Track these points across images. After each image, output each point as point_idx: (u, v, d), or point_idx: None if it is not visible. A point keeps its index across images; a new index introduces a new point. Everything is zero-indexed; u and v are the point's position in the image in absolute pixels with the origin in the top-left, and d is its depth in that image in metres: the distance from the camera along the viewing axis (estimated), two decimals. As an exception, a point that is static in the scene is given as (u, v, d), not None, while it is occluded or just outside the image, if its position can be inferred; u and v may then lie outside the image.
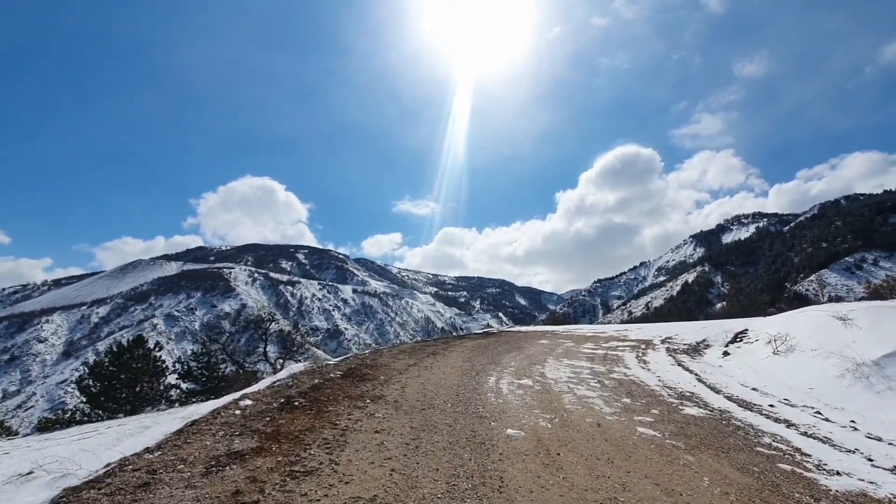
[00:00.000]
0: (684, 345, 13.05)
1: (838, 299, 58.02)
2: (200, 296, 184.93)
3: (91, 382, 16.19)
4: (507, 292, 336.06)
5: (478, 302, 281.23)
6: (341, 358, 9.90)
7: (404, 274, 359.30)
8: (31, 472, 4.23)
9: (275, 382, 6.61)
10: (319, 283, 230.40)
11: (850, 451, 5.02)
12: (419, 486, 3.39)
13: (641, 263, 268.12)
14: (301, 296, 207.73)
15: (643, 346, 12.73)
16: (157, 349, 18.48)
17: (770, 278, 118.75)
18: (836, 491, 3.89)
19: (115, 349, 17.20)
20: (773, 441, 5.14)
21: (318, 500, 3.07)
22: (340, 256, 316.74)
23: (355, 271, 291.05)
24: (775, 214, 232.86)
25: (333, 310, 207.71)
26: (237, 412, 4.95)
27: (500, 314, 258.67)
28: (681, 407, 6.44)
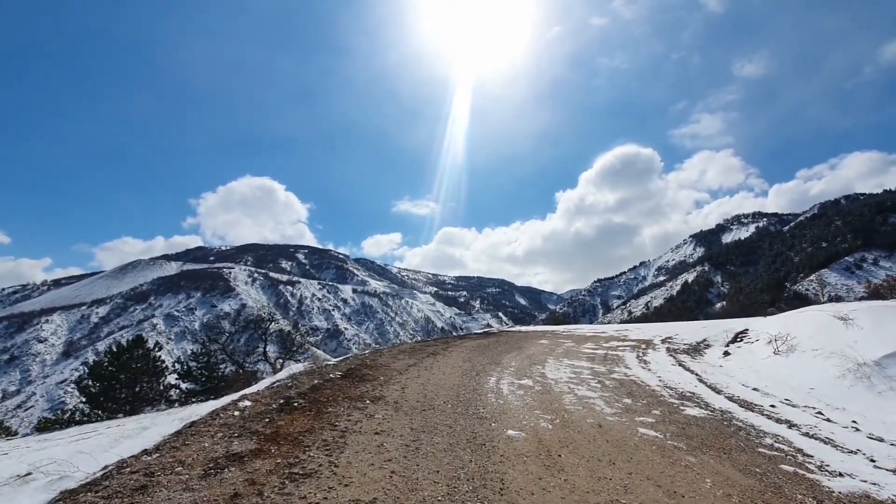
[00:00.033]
0: (685, 345, 13.03)
1: (838, 299, 58.01)
2: (200, 296, 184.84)
3: (90, 382, 16.16)
4: (507, 292, 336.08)
5: (478, 302, 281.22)
6: (341, 358, 9.87)
7: (404, 274, 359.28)
8: (29, 474, 4.20)
9: (274, 383, 6.58)
10: (319, 283, 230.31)
11: (852, 451, 5.00)
12: (419, 488, 3.37)
13: (641, 263, 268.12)
14: (301, 296, 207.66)
15: (643, 346, 12.70)
16: (156, 349, 18.46)
17: (770, 278, 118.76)
18: (839, 492, 3.86)
19: (114, 349, 17.17)
20: (775, 442, 5.12)
21: (318, 502, 3.04)
22: (340, 256, 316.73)
23: (355, 271, 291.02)
24: (775, 214, 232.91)
25: (333, 310, 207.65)
26: (236, 413, 4.92)
27: (500, 314, 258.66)
28: (682, 407, 6.42)
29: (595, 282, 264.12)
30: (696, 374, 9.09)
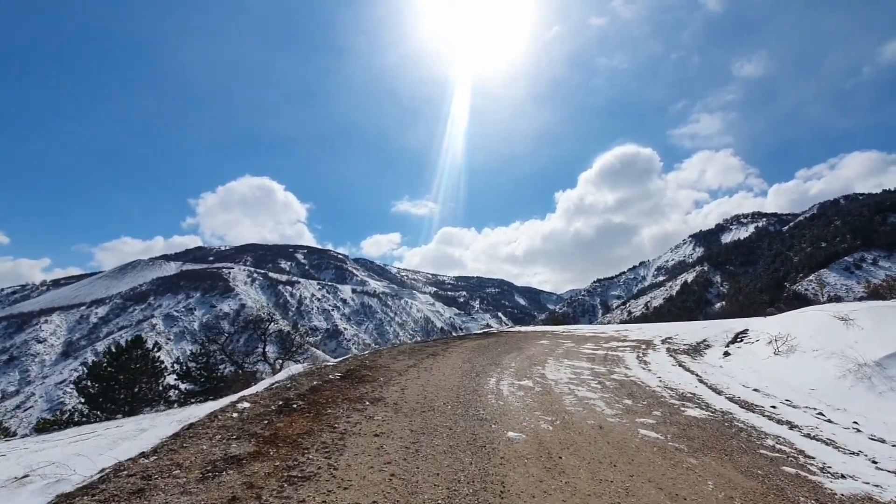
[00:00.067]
0: (685, 345, 13.01)
1: (837, 299, 58.05)
2: (199, 296, 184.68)
3: (89, 383, 16.10)
4: (507, 292, 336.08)
5: (477, 302, 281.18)
6: (340, 359, 9.84)
7: (403, 274, 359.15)
8: (26, 476, 4.17)
9: (273, 384, 6.55)
10: (318, 283, 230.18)
11: (853, 453, 4.97)
12: (419, 491, 3.34)
13: (641, 263, 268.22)
14: (300, 296, 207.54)
15: (643, 347, 12.68)
16: (155, 350, 18.39)
17: (769, 278, 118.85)
18: (842, 494, 3.84)
19: (113, 350, 17.11)
20: (777, 443, 5.09)
21: (317, 506, 3.01)
22: (339, 256, 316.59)
23: (354, 271, 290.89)
24: (774, 214, 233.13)
25: (333, 310, 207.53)
26: (234, 415, 4.89)
27: (500, 314, 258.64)
28: (683, 408, 6.40)
29: (594, 282, 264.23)
30: (697, 375, 9.07)
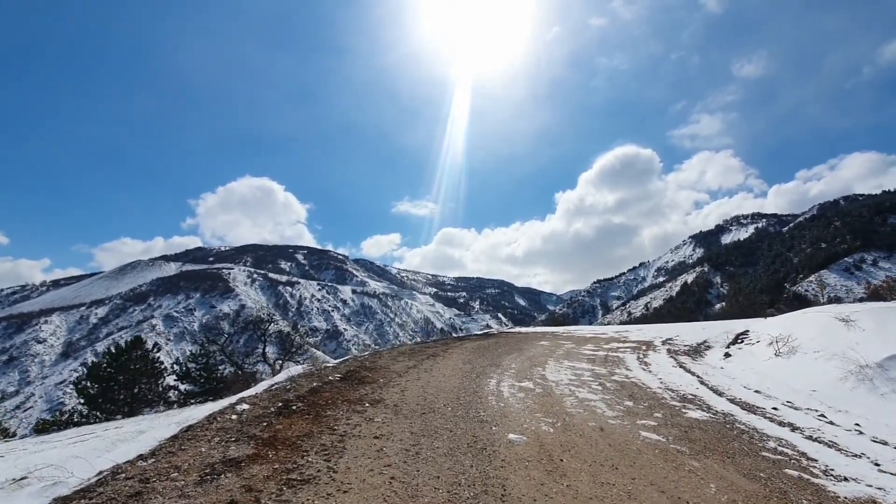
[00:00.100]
0: (685, 346, 12.98)
1: (838, 300, 58.00)
2: (199, 296, 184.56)
3: (89, 384, 16.06)
4: (507, 293, 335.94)
5: (477, 302, 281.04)
6: (340, 360, 9.81)
7: (403, 274, 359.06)
8: (24, 478, 4.14)
9: (273, 386, 6.52)
10: (319, 284, 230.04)
11: (856, 455, 4.94)
12: (420, 494, 3.31)
13: (641, 264, 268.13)
14: (300, 296, 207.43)
15: (644, 348, 12.66)
16: (155, 350, 18.35)
17: (769, 279, 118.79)
18: (845, 497, 3.81)
19: (112, 350, 17.07)
20: (779, 445, 5.06)
21: (316, 509, 2.98)
22: (339, 257, 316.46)
23: (354, 272, 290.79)
24: (774, 215, 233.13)
25: (333, 310, 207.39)
26: (233, 417, 4.86)
27: (500, 315, 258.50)
28: (684, 410, 6.37)
29: (594, 282, 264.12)
30: (698, 376, 9.04)
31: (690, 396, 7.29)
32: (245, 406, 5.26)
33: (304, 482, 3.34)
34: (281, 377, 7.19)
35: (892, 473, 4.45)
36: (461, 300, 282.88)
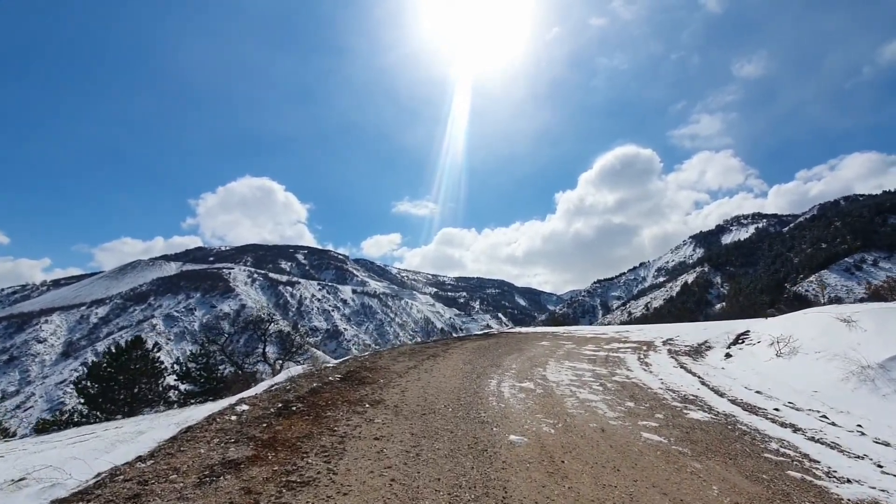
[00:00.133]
0: (686, 346, 12.96)
1: (838, 300, 57.99)
2: (200, 296, 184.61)
3: (89, 384, 16.05)
4: (507, 293, 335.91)
5: (477, 302, 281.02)
6: (340, 360, 9.79)
7: (404, 274, 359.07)
8: (22, 479, 4.12)
9: (272, 386, 6.50)
10: (319, 284, 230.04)
11: (858, 457, 4.92)
12: (420, 497, 3.29)
13: (641, 264, 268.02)
14: (300, 296, 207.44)
15: (644, 348, 12.63)
16: (155, 350, 18.34)
17: (770, 279, 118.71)
18: (848, 500, 3.79)
19: (113, 350, 17.06)
20: (781, 447, 5.04)
21: (316, 512, 2.96)
22: (340, 257, 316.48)
23: (355, 272, 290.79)
24: (774, 215, 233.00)
25: (333, 310, 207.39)
26: (233, 418, 4.84)
27: (500, 315, 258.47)
28: (685, 411, 6.34)
29: (595, 283, 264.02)
30: (699, 377, 9.01)
31: (691, 397, 7.26)
32: (244, 407, 5.24)
33: (304, 484, 3.32)
34: (281, 377, 7.17)
35: (894, 475, 4.42)
36: (461, 300, 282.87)
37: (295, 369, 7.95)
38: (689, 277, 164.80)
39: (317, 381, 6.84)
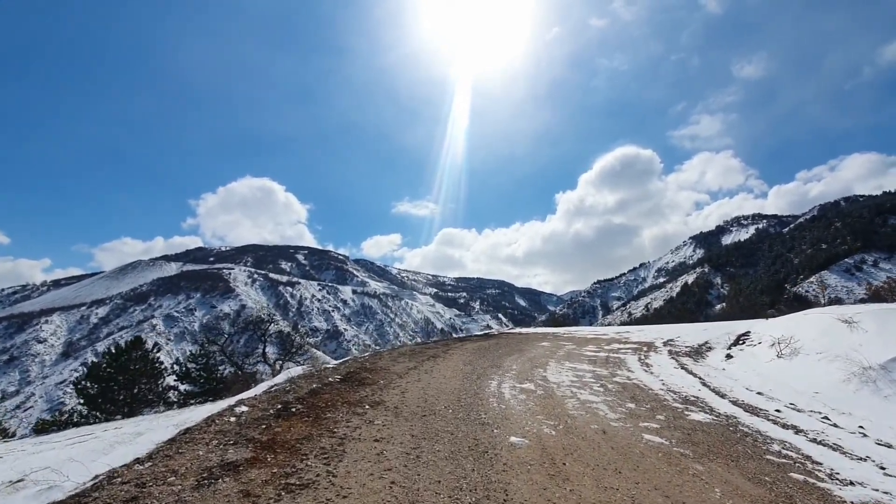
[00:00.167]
0: (686, 347, 12.93)
1: (838, 301, 57.94)
2: (200, 296, 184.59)
3: (88, 384, 16.02)
4: (507, 293, 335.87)
5: (477, 303, 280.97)
6: (340, 361, 9.76)
7: (404, 275, 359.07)
8: (20, 481, 4.10)
9: (272, 387, 6.48)
10: (319, 284, 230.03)
11: (861, 458, 4.89)
12: (420, 499, 3.26)
13: (641, 265, 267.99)
14: (301, 296, 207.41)
15: (645, 349, 12.60)
16: (155, 350, 18.31)
17: (770, 280, 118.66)
18: (851, 502, 3.76)
19: (112, 350, 17.03)
20: (783, 448, 5.01)
21: (315, 515, 2.93)
22: (340, 257, 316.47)
23: (355, 272, 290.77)
24: (775, 216, 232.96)
25: (333, 310, 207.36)
26: (232, 419, 4.81)
27: (500, 315, 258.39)
28: (686, 412, 6.31)
29: (595, 283, 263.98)
30: (700, 378, 8.98)
31: (693, 398, 7.23)
32: (244, 408, 5.21)
33: (303, 487, 3.29)
34: (280, 378, 7.14)
35: (898, 477, 4.39)
36: (461, 300, 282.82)
37: (295, 370, 7.93)
38: (690, 278, 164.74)
39: (316, 382, 6.81)
